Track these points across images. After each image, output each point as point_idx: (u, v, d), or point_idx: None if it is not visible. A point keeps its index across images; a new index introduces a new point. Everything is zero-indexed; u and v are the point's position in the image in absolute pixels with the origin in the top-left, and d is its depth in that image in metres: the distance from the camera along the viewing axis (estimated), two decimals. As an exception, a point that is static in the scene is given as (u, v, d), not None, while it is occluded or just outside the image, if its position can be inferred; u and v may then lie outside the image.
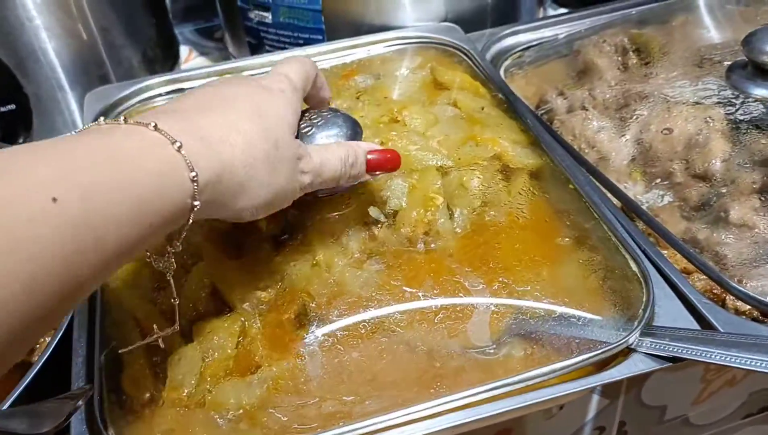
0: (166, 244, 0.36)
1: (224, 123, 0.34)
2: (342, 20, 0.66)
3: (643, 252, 0.42)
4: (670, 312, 0.39)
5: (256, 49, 0.71)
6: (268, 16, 0.67)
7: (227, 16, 0.74)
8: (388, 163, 0.42)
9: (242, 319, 0.40)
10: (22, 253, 0.24)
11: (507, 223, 0.45)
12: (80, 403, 0.33)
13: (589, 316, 0.40)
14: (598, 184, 0.49)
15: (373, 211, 0.45)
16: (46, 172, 0.26)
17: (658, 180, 0.49)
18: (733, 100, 0.51)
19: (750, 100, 0.51)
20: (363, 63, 0.62)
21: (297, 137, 0.42)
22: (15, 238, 0.24)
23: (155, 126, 0.32)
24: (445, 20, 0.67)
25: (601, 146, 0.53)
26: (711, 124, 0.50)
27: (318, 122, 0.45)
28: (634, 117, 0.54)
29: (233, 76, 0.35)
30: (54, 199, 0.26)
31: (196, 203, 0.32)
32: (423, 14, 0.67)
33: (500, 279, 0.42)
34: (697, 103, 0.52)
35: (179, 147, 0.31)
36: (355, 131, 0.45)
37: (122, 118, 0.33)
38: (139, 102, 0.58)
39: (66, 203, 0.26)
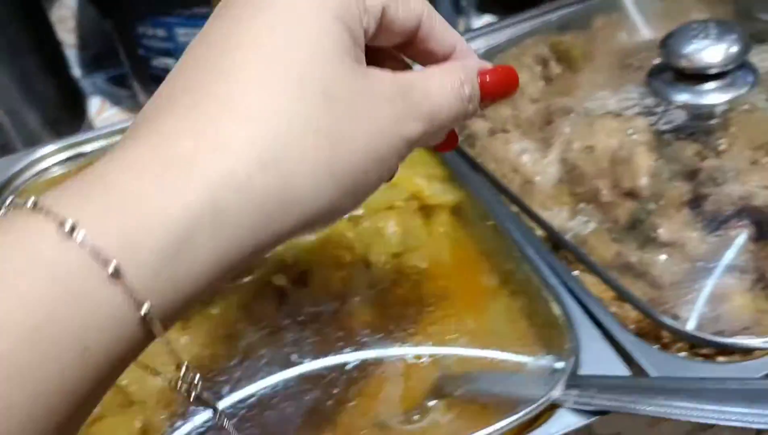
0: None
1: (212, 116, 0.21)
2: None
3: (570, 290, 0.39)
4: (599, 357, 0.36)
5: (167, 96, 0.68)
6: (172, 63, 0.63)
7: (132, 64, 0.70)
8: (508, 86, 0.28)
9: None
10: None
11: (429, 270, 0.42)
12: None
13: (515, 369, 0.37)
14: (522, 214, 0.46)
15: (277, 279, 0.41)
16: None
17: (584, 203, 0.46)
18: (655, 109, 0.48)
19: (672, 107, 0.48)
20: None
21: None
22: None
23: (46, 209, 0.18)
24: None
25: (525, 170, 0.50)
26: (634, 137, 0.47)
27: None
28: (557, 134, 0.51)
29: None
30: None
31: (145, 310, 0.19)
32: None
33: (423, 334, 0.39)
34: (618, 114, 0.49)
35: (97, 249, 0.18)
36: None
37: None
38: (35, 175, 0.54)
39: None
